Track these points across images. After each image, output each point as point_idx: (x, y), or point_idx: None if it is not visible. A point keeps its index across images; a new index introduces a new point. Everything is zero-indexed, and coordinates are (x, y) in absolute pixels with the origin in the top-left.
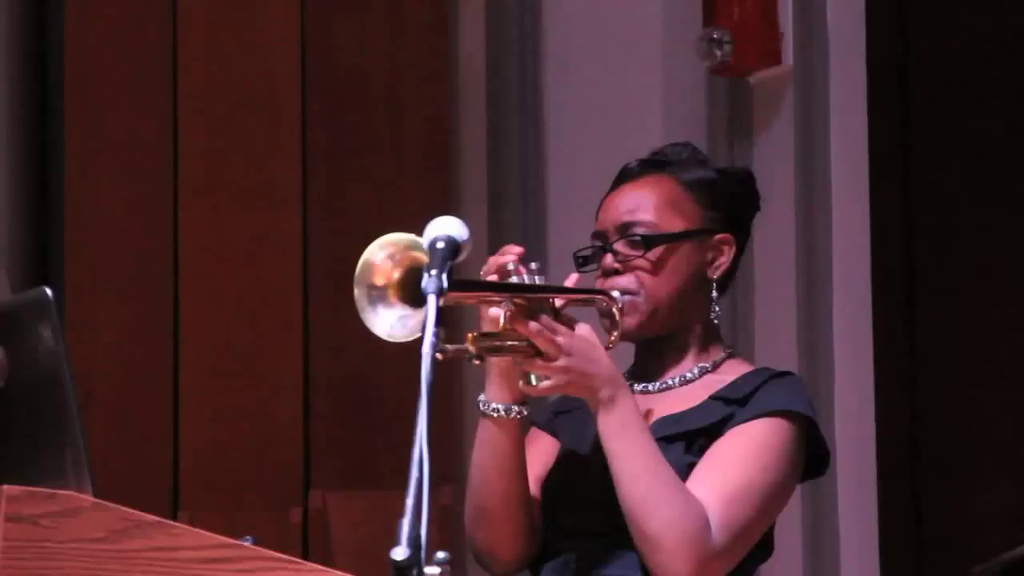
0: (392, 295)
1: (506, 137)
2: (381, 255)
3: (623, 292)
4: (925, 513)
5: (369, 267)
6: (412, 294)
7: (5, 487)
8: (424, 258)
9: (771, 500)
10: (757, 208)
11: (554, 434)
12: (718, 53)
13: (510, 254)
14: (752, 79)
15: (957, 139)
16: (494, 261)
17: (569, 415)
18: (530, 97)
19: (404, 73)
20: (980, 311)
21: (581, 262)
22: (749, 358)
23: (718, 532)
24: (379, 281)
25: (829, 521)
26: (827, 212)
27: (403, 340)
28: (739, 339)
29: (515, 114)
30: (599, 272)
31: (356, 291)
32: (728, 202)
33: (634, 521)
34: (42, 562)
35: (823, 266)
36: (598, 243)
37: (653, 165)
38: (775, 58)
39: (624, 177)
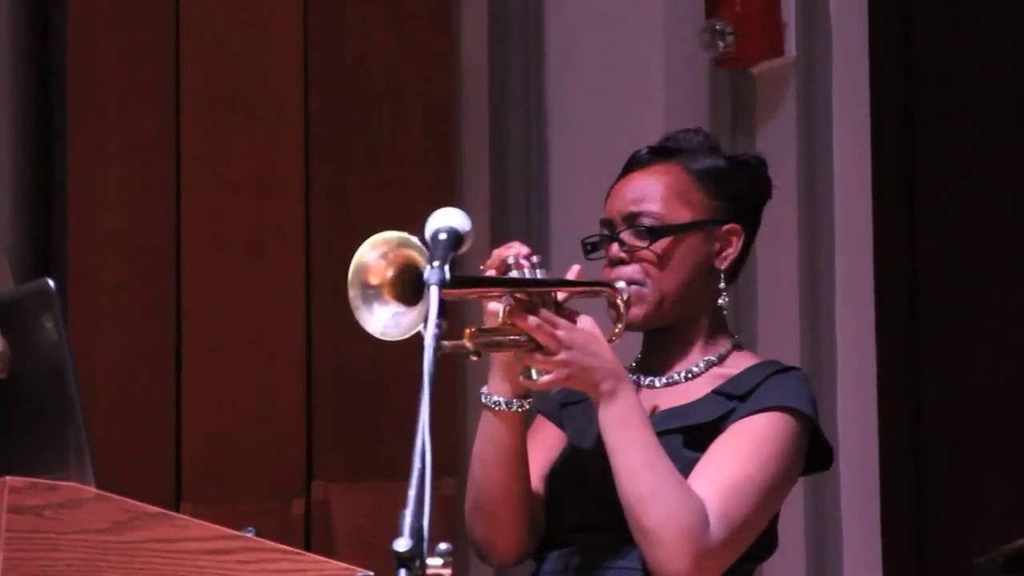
0: (387, 293)
1: (508, 129)
2: (373, 255)
3: (629, 282)
4: (927, 505)
5: (362, 267)
6: (406, 292)
7: (8, 478)
8: (416, 255)
9: (770, 494)
10: (768, 196)
11: (560, 425)
12: (720, 44)
13: (513, 248)
14: (755, 71)
15: (961, 130)
16: (497, 254)
17: (576, 407)
18: (532, 90)
19: (406, 66)
20: (984, 304)
21: (589, 248)
22: (752, 352)
23: (717, 526)
24: (373, 280)
25: (831, 514)
26: (829, 204)
27: (398, 338)
28: (742, 333)
29: (517, 106)
30: (606, 261)
31: (351, 292)
32: (737, 191)
33: (632, 515)
34: (45, 553)
35: (825, 258)
36: (605, 231)
37: (663, 153)
38: (778, 49)
39: (633, 164)
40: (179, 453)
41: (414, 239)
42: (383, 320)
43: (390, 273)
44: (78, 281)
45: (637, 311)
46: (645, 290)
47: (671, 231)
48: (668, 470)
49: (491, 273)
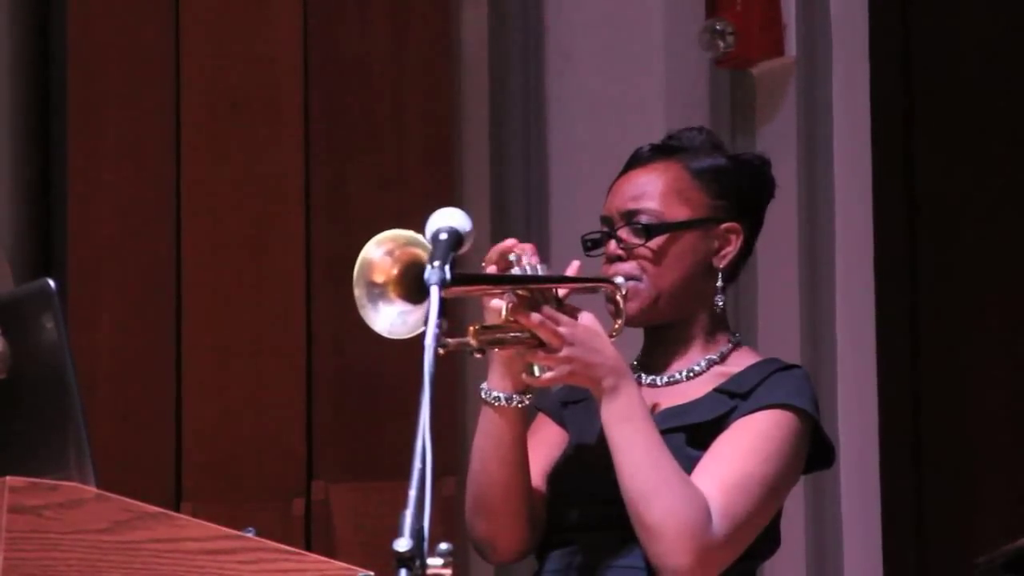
0: (392, 292)
1: (509, 130)
2: (379, 252)
3: (626, 278)
4: (927, 504)
5: (368, 265)
6: (412, 290)
7: (8, 478)
8: (422, 253)
9: (773, 491)
10: (771, 196)
11: (561, 423)
12: (721, 44)
13: (510, 243)
14: (755, 71)
15: (960, 130)
16: (496, 249)
17: (577, 406)
18: (533, 90)
19: (407, 66)
20: (983, 302)
21: (589, 245)
22: (753, 350)
23: (719, 523)
24: (379, 278)
25: (832, 512)
26: (829, 204)
27: (404, 337)
28: (742, 331)
29: (518, 107)
30: (605, 258)
31: (356, 290)
32: (737, 190)
33: (635, 511)
34: (45, 553)
35: (826, 257)
36: (605, 228)
37: (664, 150)
38: (778, 50)
39: (634, 162)
40: (179, 453)
41: (421, 237)
42: (389, 319)
43: (395, 271)
44: (78, 281)
45: (633, 305)
46: (641, 286)
47: (668, 228)
48: (671, 466)
49: (492, 269)
